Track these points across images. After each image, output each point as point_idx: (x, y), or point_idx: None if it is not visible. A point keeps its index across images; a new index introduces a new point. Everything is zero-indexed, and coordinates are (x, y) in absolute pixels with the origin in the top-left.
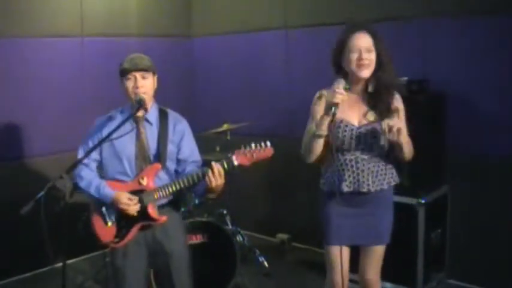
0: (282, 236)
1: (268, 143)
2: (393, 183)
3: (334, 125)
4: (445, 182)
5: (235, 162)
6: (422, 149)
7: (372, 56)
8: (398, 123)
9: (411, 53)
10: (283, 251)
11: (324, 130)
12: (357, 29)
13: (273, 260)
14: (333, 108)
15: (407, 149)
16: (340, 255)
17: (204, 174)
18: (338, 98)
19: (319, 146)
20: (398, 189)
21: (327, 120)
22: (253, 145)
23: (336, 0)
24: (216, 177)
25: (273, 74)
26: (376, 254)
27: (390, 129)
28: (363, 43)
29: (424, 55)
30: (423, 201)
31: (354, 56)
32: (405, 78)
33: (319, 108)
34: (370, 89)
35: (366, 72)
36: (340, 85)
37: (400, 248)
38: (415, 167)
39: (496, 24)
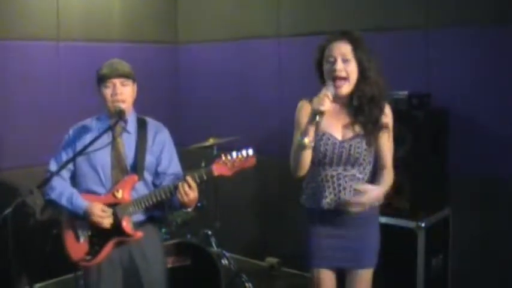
0: (272, 259)
1: (251, 151)
2: (377, 203)
3: (316, 136)
4: (446, 204)
5: (215, 173)
6: (423, 169)
7: (350, 67)
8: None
9: (413, 65)
10: (272, 276)
11: (309, 141)
12: (335, 38)
13: (261, 285)
14: (317, 117)
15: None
16: (325, 279)
17: (176, 187)
18: (325, 105)
19: (305, 158)
20: (397, 212)
21: (312, 129)
22: (234, 154)
23: (333, 8)
24: (187, 191)
25: (264, 86)
26: (364, 279)
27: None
28: (339, 51)
29: (426, 67)
30: (423, 225)
31: (329, 67)
32: (405, 93)
33: (304, 116)
34: (354, 101)
35: (344, 88)
36: (328, 91)
37: (399, 274)
38: (414, 188)
39: (507, 35)
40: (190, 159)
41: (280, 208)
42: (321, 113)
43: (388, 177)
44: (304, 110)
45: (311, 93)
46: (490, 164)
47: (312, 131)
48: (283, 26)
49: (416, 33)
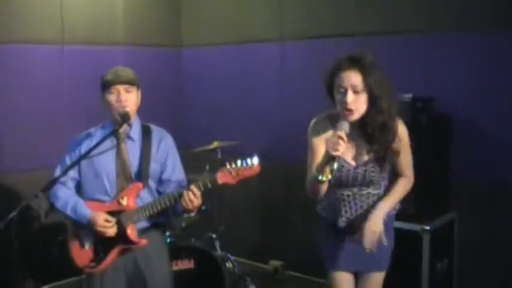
0: (275, 263)
1: (255, 160)
2: (393, 212)
3: None
4: (451, 207)
5: (219, 181)
6: (427, 173)
7: (361, 99)
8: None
9: (414, 70)
10: (276, 280)
11: (325, 177)
12: (345, 65)
13: None
14: (332, 162)
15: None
16: (342, 281)
17: (181, 195)
18: (339, 150)
19: (322, 189)
20: (402, 215)
21: (327, 169)
22: (239, 162)
23: (336, 12)
24: (192, 199)
25: (268, 89)
26: (375, 281)
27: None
28: (349, 83)
29: (427, 72)
30: (428, 228)
31: (340, 98)
32: (410, 95)
33: (318, 142)
34: (368, 129)
35: (354, 116)
36: (343, 131)
37: (404, 278)
38: (419, 192)
39: (508, 40)
40: (194, 162)
41: (285, 211)
42: (336, 158)
43: (402, 183)
44: (318, 138)
45: (313, 96)
46: (494, 167)
47: (327, 170)
48: (285, 29)
49: (417, 37)
